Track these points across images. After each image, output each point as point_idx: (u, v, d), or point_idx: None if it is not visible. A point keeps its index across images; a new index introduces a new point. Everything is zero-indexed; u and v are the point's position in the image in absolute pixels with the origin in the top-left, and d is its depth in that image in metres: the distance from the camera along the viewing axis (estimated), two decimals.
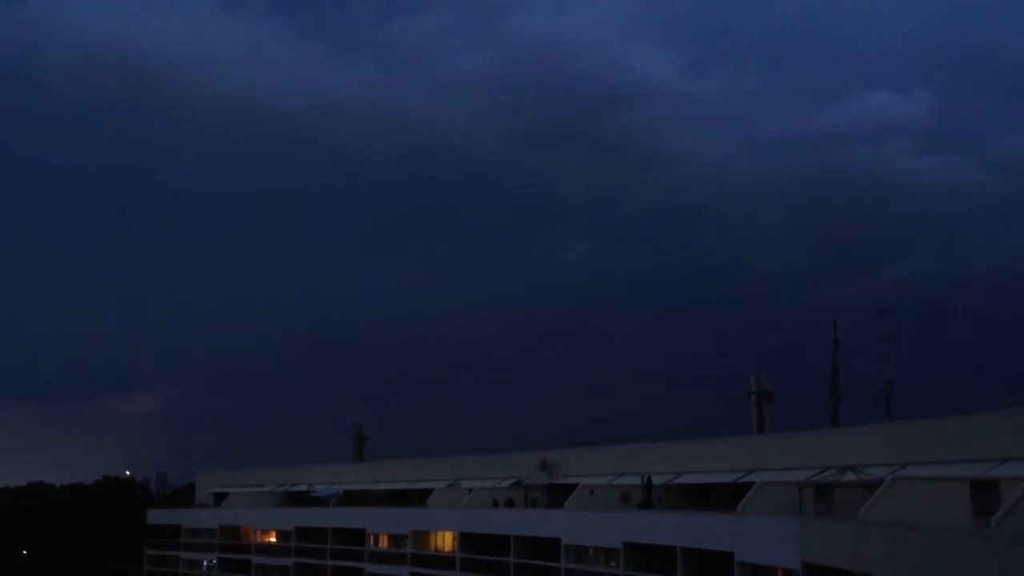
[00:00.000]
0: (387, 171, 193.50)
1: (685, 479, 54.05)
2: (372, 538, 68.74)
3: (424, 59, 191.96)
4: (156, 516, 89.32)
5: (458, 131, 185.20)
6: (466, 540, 60.92)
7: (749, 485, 47.77)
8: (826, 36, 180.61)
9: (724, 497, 51.14)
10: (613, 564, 49.56)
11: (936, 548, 26.72)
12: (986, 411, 39.05)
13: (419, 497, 71.61)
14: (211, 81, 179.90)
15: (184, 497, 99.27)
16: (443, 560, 62.59)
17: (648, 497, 53.64)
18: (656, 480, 54.00)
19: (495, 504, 63.28)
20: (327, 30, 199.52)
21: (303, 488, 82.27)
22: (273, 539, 78.59)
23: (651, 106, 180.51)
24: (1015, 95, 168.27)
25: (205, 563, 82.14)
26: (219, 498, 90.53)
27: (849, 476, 42.04)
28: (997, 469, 33.04)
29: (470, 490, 66.97)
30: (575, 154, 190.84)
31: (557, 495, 61.47)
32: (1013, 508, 25.80)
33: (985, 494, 31.31)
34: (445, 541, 63.56)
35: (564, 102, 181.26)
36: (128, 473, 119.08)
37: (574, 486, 60.01)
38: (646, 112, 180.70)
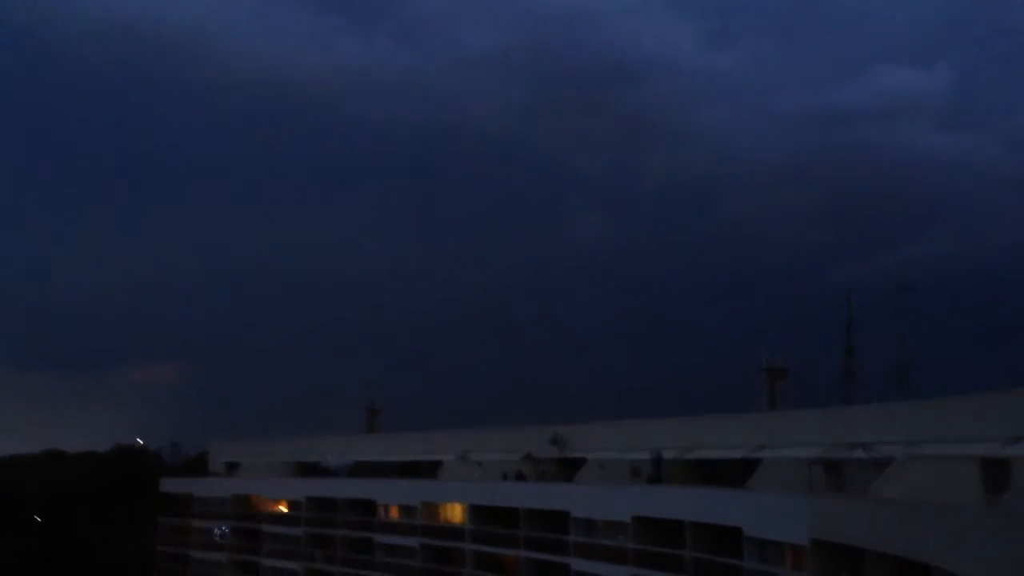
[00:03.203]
0: (403, 143, 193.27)
1: (695, 454, 54.01)
2: (383, 509, 69.03)
3: (441, 32, 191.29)
4: (169, 485, 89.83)
5: (474, 104, 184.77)
6: (476, 512, 61.08)
7: (759, 461, 47.73)
8: (846, 9, 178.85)
9: (734, 473, 51.01)
10: (622, 537, 49.62)
11: (946, 526, 26.58)
12: (998, 390, 38.76)
13: (430, 469, 71.82)
14: (226, 52, 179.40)
15: (197, 467, 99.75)
16: (453, 532, 62.82)
17: (658, 472, 53.64)
18: (666, 455, 53.98)
19: (505, 477, 63.39)
20: (344, 2, 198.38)
21: (315, 459, 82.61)
22: (284, 509, 79.02)
23: (668, 79, 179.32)
24: None
25: (216, 531, 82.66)
26: (231, 468, 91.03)
27: (860, 454, 41.93)
28: (1008, 448, 32.84)
29: (480, 463, 67.15)
30: (591, 127, 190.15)
31: (568, 469, 61.57)
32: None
33: (996, 473, 31.16)
34: (455, 513, 63.76)
35: (580, 75, 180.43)
36: (141, 442, 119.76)
37: (584, 460, 60.09)
38: (663, 85, 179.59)
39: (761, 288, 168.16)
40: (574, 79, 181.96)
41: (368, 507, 69.80)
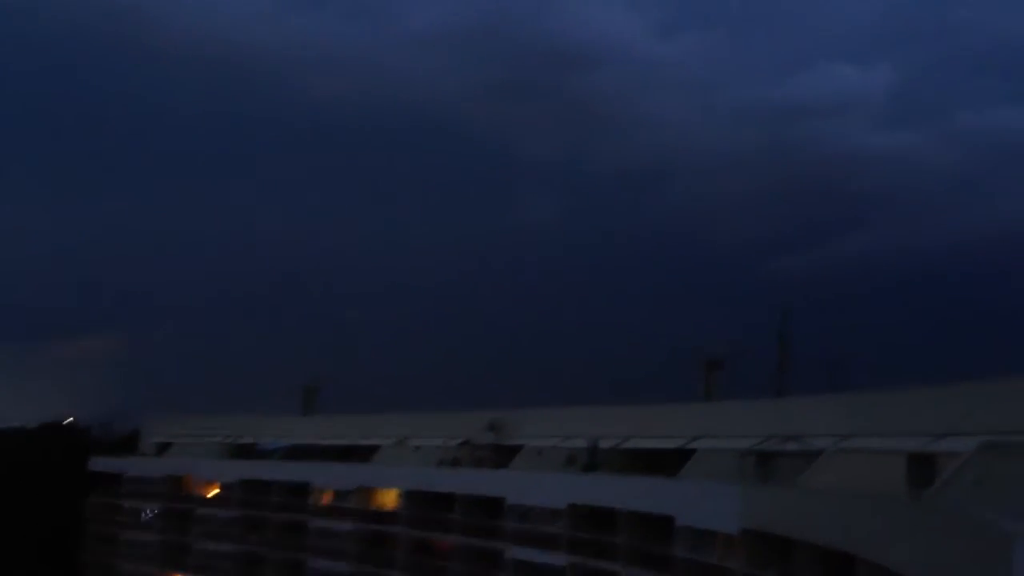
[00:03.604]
0: (352, 121, 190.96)
1: (632, 443, 54.32)
2: (317, 493, 68.56)
3: (392, 9, 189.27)
4: (99, 464, 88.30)
5: (426, 84, 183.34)
6: (411, 498, 60.95)
7: (694, 451, 48.15)
8: (793, 5, 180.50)
9: (669, 462, 51.40)
10: (557, 524, 49.80)
11: (871, 518, 27.03)
12: (927, 386, 39.53)
13: (367, 454, 71.43)
14: (174, 24, 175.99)
15: (129, 445, 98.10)
16: (387, 517, 62.65)
17: (593, 460, 53.88)
18: (603, 444, 54.23)
19: (442, 463, 63.25)
20: None
21: (250, 440, 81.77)
22: (217, 491, 78.13)
23: (619, 67, 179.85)
24: (976, 72, 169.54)
25: (146, 512, 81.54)
26: (164, 448, 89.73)
27: (792, 446, 42.47)
28: (935, 444, 33.45)
29: (417, 448, 66.91)
30: (542, 112, 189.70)
31: (504, 455, 61.58)
32: (948, 482, 26.08)
33: (922, 467, 31.66)
34: (390, 498, 63.55)
35: (533, 59, 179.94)
36: (72, 419, 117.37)
37: (521, 447, 60.18)
38: (614, 73, 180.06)
39: (702, 278, 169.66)
40: (526, 63, 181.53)
41: (302, 490, 69.31)
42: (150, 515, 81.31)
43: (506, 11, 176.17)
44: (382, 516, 63.29)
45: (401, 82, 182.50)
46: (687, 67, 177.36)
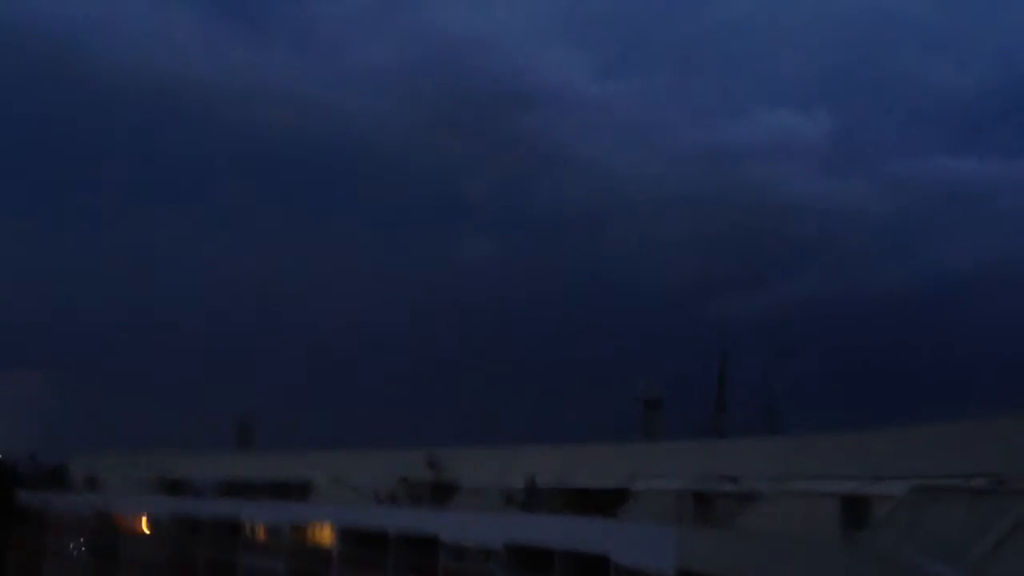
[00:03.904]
0: (289, 155, 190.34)
1: (570, 482, 54.15)
2: (249, 530, 67.25)
3: (335, 45, 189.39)
4: (25, 498, 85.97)
5: (365, 121, 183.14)
6: (345, 535, 60.01)
7: (632, 491, 48.12)
8: (736, 50, 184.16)
9: (607, 502, 51.32)
10: (492, 564, 49.29)
11: (805, 559, 27.11)
12: (861, 430, 40.05)
13: (301, 490, 70.32)
14: (115, 52, 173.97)
15: (56, 480, 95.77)
16: (320, 554, 61.53)
17: (531, 499, 53.60)
18: (542, 483, 54.00)
19: (379, 500, 62.46)
20: (239, 10, 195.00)
21: (181, 476, 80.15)
22: (146, 527, 76.33)
23: (561, 108, 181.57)
24: (911, 122, 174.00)
25: (72, 548, 79.35)
26: (93, 483, 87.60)
27: (729, 486, 42.65)
28: (869, 487, 33.80)
29: (354, 486, 66.01)
30: (482, 151, 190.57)
31: (442, 493, 61.04)
32: (882, 524, 26.29)
33: (856, 509, 31.97)
34: (325, 535, 62.51)
35: (474, 98, 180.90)
36: None
37: (459, 486, 59.69)
38: (555, 113, 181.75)
39: (641, 319, 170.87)
40: (467, 100, 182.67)
41: (234, 528, 67.92)
42: (76, 551, 79.13)
43: (450, 50, 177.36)
44: (315, 554, 62.15)
45: (344, 117, 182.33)
46: (628, 109, 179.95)
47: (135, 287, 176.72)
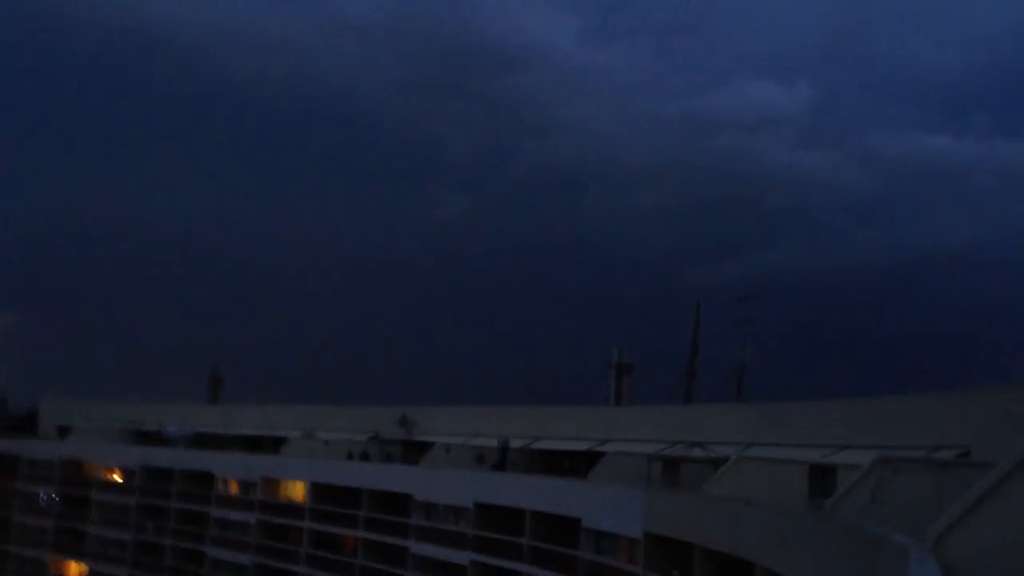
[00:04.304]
0: (271, 104, 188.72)
1: (541, 444, 54.79)
2: (221, 483, 67.56)
3: None
4: None
5: (348, 72, 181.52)
6: (317, 491, 60.47)
7: (602, 454, 48.79)
8: (719, 20, 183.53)
9: (578, 465, 52.06)
10: (463, 523, 49.94)
11: (770, 526, 27.76)
12: (829, 399, 40.79)
13: (273, 444, 70.65)
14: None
15: (26, 427, 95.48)
16: (292, 509, 62.02)
17: (503, 459, 54.24)
18: (513, 444, 54.61)
19: (350, 456, 62.91)
20: None
21: (154, 427, 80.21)
22: (118, 477, 76.48)
23: (544, 70, 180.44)
24: (890, 97, 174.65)
25: (43, 497, 79.35)
26: (64, 431, 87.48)
27: (697, 452, 43.37)
28: (835, 456, 34.53)
29: (326, 441, 66.44)
30: (464, 110, 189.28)
31: (414, 452, 61.60)
32: (847, 493, 26.91)
33: (822, 478, 32.67)
34: (297, 490, 62.94)
35: (458, 56, 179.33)
36: None
37: (431, 444, 60.23)
38: (538, 75, 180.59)
39: (616, 285, 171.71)
40: (450, 58, 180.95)
41: (206, 480, 68.19)
42: (46, 499, 79.15)
43: (435, 6, 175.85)
44: (286, 509, 62.64)
45: (325, 68, 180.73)
46: (611, 75, 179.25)
47: (112, 233, 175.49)
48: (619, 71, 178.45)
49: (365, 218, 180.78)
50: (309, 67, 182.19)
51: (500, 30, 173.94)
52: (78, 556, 76.54)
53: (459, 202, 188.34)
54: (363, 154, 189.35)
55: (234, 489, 67.05)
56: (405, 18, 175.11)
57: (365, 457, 62.82)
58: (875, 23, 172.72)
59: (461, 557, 49.22)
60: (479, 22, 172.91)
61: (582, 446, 51.59)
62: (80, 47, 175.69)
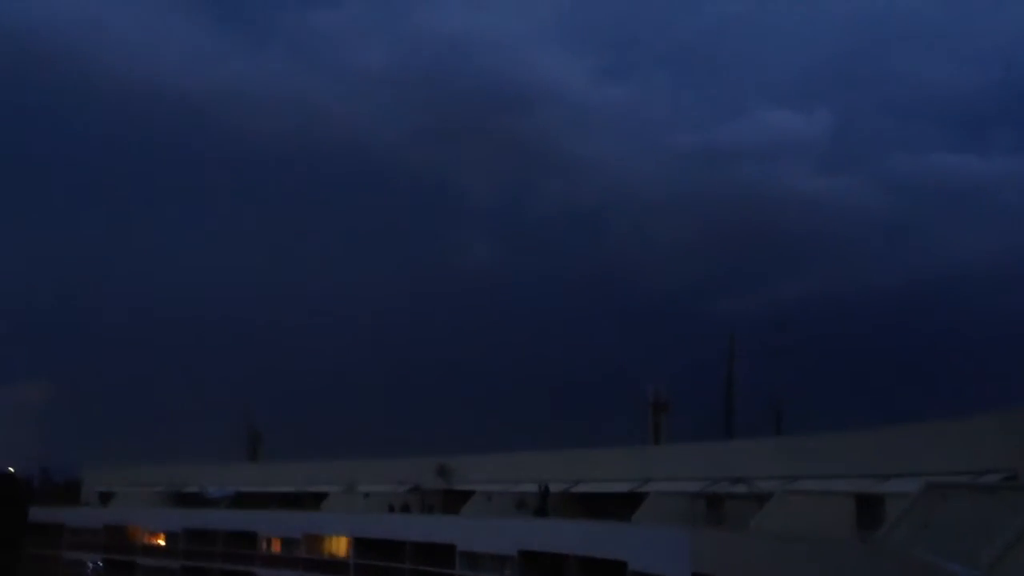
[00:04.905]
0: (289, 161, 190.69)
1: (582, 488, 54.54)
2: (264, 542, 67.62)
3: (332, 50, 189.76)
4: (39, 514, 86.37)
5: (363, 125, 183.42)
6: (360, 545, 60.39)
7: (644, 495, 48.49)
8: (733, 51, 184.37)
9: (620, 506, 51.70)
10: (508, 571, 49.68)
11: (821, 560, 27.50)
12: (872, 428, 40.46)
13: (314, 500, 70.74)
14: (113, 62, 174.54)
15: (69, 495, 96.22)
16: (337, 565, 61.91)
17: (544, 505, 53.93)
18: (553, 488, 54.38)
19: (391, 509, 62.86)
20: (234, 17, 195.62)
21: (194, 489, 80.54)
22: (161, 541, 76.73)
23: (559, 109, 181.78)
24: (909, 119, 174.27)
25: (89, 564, 79.69)
26: (106, 497, 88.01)
27: (740, 488, 43.03)
28: (882, 485, 34.19)
29: (366, 494, 66.43)
30: (481, 153, 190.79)
31: (454, 501, 61.40)
32: (896, 523, 26.64)
33: (870, 508, 32.35)
34: (339, 546, 62.89)
35: (472, 100, 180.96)
36: (11, 469, 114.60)
37: (471, 492, 60.06)
38: (554, 115, 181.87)
39: (644, 320, 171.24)
40: (466, 104, 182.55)
41: (249, 539, 68.28)
42: (92, 567, 79.48)
43: (447, 52, 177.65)
44: (330, 565, 62.53)
45: (342, 121, 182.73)
46: (628, 110, 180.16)
47: (141, 297, 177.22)
48: (636, 106, 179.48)
49: (390, 267, 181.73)
50: (323, 121, 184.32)
51: (514, 72, 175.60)
52: None
53: (482, 245, 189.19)
54: (382, 204, 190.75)
55: (277, 547, 67.08)
56: (417, 66, 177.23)
57: (406, 509, 62.75)
58: (889, 44, 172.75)
59: None
60: (492, 65, 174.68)
61: (623, 487, 51.27)
62: (97, 112, 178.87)
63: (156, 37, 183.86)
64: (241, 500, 75.97)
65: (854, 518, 32.88)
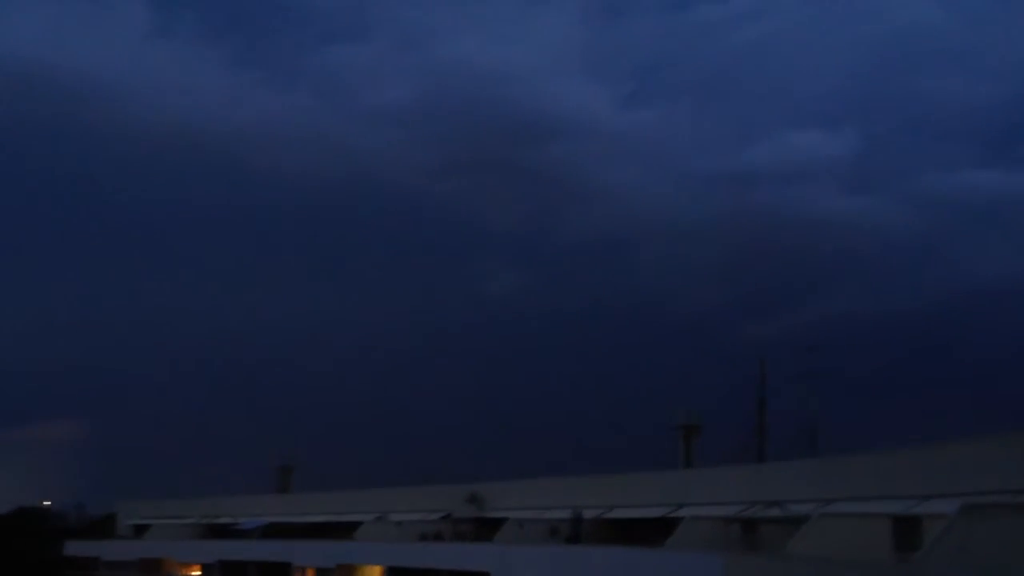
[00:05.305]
0: (315, 198, 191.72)
1: (615, 513, 54.28)
2: (298, 572, 67.60)
3: (356, 88, 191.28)
4: (74, 548, 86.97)
5: (387, 160, 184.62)
6: (394, 574, 60.27)
7: (678, 520, 48.20)
8: (756, 74, 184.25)
9: (653, 531, 51.37)
10: None
11: None
12: (907, 448, 40.04)
13: (346, 530, 70.77)
14: (142, 104, 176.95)
15: (103, 528, 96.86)
16: None
17: (577, 531, 53.70)
18: (586, 514, 54.14)
19: (423, 537, 62.78)
20: (259, 57, 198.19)
21: (227, 520, 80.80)
22: (196, 573, 76.95)
23: (582, 138, 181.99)
24: (938, 137, 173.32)
25: None
26: (140, 530, 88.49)
27: (775, 512, 42.70)
28: (919, 506, 33.83)
29: (398, 523, 66.42)
30: (505, 185, 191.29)
31: (486, 529, 61.26)
32: (935, 545, 26.40)
33: (908, 531, 32.03)
34: (373, 575, 62.82)
35: (494, 132, 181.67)
36: (46, 503, 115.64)
37: (503, 520, 59.90)
38: (577, 144, 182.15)
39: (672, 345, 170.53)
40: (489, 136, 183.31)
41: (282, 570, 68.28)
42: None
43: (468, 84, 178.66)
44: None
45: (366, 157, 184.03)
46: (651, 136, 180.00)
47: (168, 333, 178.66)
48: (659, 132, 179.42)
49: (415, 300, 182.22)
50: (346, 159, 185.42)
51: (535, 102, 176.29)
52: None
53: (509, 276, 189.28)
54: (407, 238, 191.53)
55: None
56: (438, 100, 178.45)
57: (438, 537, 62.65)
58: (914, 61, 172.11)
59: None
60: (515, 96, 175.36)
61: (656, 512, 50.98)
62: (125, 158, 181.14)
63: (179, 81, 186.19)
64: (273, 531, 76.10)
65: (891, 540, 32.55)
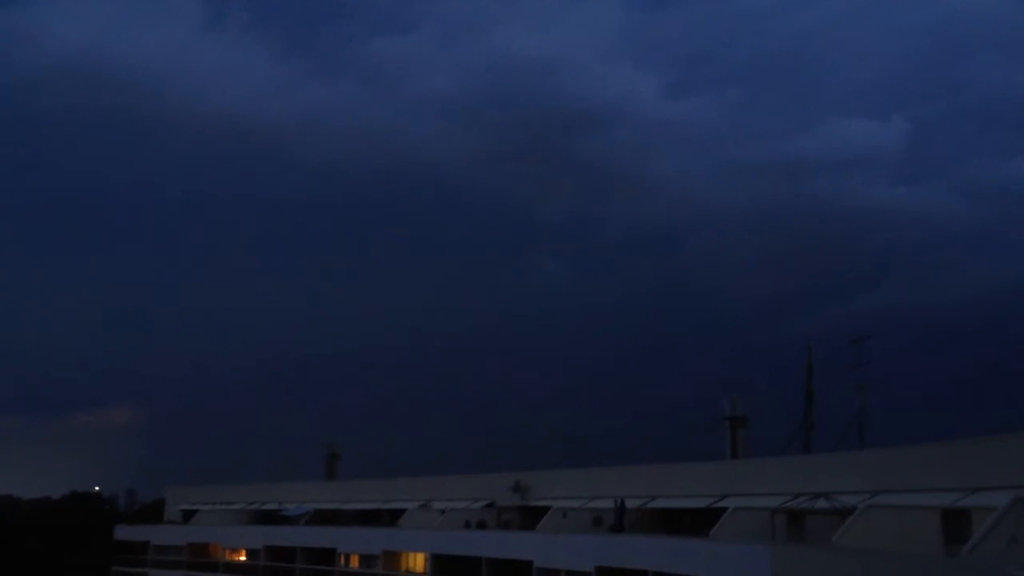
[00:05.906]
0: (362, 188, 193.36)
1: (659, 503, 54.04)
2: (343, 558, 68.15)
3: (402, 77, 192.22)
4: (124, 532, 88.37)
5: (435, 150, 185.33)
6: (438, 561, 60.51)
7: (723, 510, 47.87)
8: (807, 64, 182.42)
9: (697, 522, 51.14)
10: None
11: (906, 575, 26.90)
12: (957, 440, 39.37)
13: (391, 517, 71.21)
14: (193, 95, 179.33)
15: (153, 513, 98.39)
16: None
17: (620, 520, 53.55)
18: (630, 504, 53.97)
19: (467, 525, 62.98)
20: (307, 49, 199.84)
21: (274, 506, 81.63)
22: (242, 557, 77.88)
23: (630, 128, 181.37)
24: (989, 125, 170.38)
25: None
26: (188, 515, 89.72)
27: (822, 503, 42.23)
28: (968, 499, 33.28)
29: (443, 511, 66.68)
30: (553, 174, 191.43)
31: (530, 517, 61.31)
32: (984, 538, 25.96)
33: (956, 523, 31.54)
34: (417, 562, 63.08)
35: (542, 122, 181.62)
36: (97, 488, 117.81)
37: (547, 508, 59.90)
38: (625, 134, 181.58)
39: (720, 336, 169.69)
40: (536, 126, 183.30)
41: (328, 556, 68.89)
42: None
43: (516, 75, 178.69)
44: None
45: (410, 148, 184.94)
46: (699, 126, 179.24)
47: (220, 323, 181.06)
48: (707, 122, 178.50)
49: (463, 289, 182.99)
50: (393, 149, 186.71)
51: (583, 92, 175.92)
52: None
53: (556, 265, 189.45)
54: (455, 228, 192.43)
55: (355, 564, 67.52)
56: (484, 90, 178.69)
57: (482, 525, 62.81)
58: (965, 49, 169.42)
59: None
60: (559, 86, 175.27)
61: (701, 503, 50.68)
62: (177, 152, 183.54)
63: (230, 72, 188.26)
64: (319, 517, 76.76)
65: (940, 533, 32.06)
